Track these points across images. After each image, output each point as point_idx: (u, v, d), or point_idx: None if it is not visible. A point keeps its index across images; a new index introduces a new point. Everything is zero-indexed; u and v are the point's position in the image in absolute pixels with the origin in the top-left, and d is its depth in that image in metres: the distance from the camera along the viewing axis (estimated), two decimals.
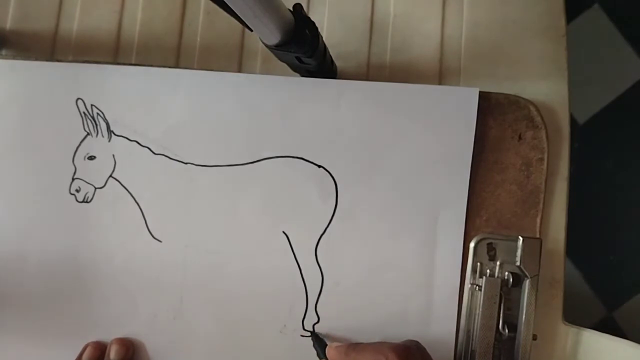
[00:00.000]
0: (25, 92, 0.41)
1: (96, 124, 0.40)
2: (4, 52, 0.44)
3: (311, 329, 0.38)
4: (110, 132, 0.40)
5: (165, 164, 0.40)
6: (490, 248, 0.37)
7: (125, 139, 0.40)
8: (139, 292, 0.39)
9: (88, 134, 0.40)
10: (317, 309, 0.38)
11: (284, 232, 0.39)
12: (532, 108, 0.38)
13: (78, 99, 0.41)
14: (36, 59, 0.42)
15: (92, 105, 0.40)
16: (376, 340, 0.36)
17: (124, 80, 0.41)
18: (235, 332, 0.38)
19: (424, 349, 0.34)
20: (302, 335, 0.38)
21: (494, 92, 0.39)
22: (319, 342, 0.37)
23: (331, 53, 0.38)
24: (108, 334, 0.39)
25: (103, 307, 0.39)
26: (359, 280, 0.38)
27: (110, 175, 0.40)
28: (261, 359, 0.38)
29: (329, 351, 0.35)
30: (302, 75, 0.40)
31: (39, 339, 0.39)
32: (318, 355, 0.36)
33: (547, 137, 0.38)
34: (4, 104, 0.41)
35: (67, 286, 0.39)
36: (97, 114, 0.40)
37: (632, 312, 0.98)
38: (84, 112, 0.40)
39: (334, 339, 0.37)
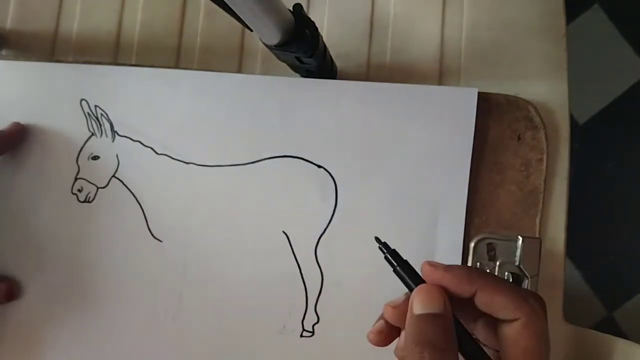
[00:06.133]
0: (30, 94, 0.41)
1: (100, 125, 0.40)
2: (3, 52, 0.44)
3: (311, 330, 0.38)
4: (114, 132, 0.40)
5: (168, 164, 0.40)
6: (490, 248, 0.37)
7: (128, 139, 0.40)
8: (139, 291, 0.39)
9: (92, 134, 0.41)
10: (317, 309, 0.38)
11: (284, 232, 0.39)
12: (531, 108, 0.38)
13: (82, 99, 0.41)
14: (37, 60, 0.42)
15: (96, 106, 0.41)
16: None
17: (127, 81, 0.41)
18: (235, 332, 0.38)
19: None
20: (301, 336, 0.38)
21: (493, 93, 0.39)
22: (406, 268, 0.27)
23: (331, 53, 0.38)
24: (107, 334, 0.39)
25: (102, 306, 0.39)
26: (359, 280, 0.38)
27: (113, 175, 0.40)
28: (260, 359, 0.38)
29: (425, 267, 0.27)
30: (302, 76, 0.40)
31: (37, 338, 0.39)
32: (408, 284, 0.27)
33: (546, 137, 0.38)
34: (8, 104, 0.41)
35: (67, 285, 0.39)
36: (101, 114, 0.40)
37: (632, 312, 0.99)
38: (88, 113, 0.41)
39: (333, 339, 0.38)
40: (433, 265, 0.26)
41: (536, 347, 0.24)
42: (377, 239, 0.29)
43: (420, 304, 0.25)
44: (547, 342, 0.25)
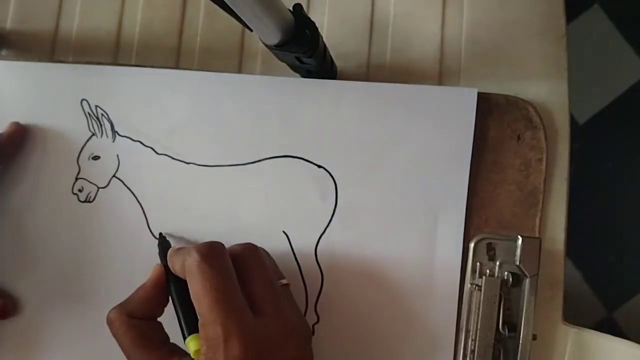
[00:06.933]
0: (30, 94, 0.41)
1: (101, 125, 0.41)
2: (3, 52, 0.44)
3: (311, 330, 0.38)
4: (114, 132, 0.40)
5: (168, 164, 0.40)
6: (490, 248, 0.37)
7: (129, 139, 0.40)
8: None
9: (93, 134, 0.41)
10: (317, 309, 0.38)
11: (284, 232, 0.39)
12: (530, 108, 0.38)
13: (83, 99, 0.41)
14: (37, 60, 0.42)
15: (96, 106, 0.41)
16: (377, 340, 0.36)
17: (127, 81, 0.41)
18: None
19: (249, 250, 0.33)
20: None
21: (493, 93, 0.39)
22: (165, 244, 0.37)
23: (331, 53, 0.38)
24: (107, 334, 0.39)
25: (103, 306, 0.39)
26: (358, 280, 0.38)
27: (114, 175, 0.40)
28: None
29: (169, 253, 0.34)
30: (302, 76, 0.40)
31: (37, 338, 0.39)
32: (160, 259, 0.35)
33: (545, 137, 0.38)
34: (8, 104, 0.41)
35: (67, 285, 0.39)
36: (102, 114, 0.41)
37: (632, 312, 0.99)
38: (88, 113, 0.41)
39: (333, 339, 0.38)
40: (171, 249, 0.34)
41: (197, 289, 0.29)
42: (160, 234, 0.38)
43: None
44: (209, 279, 0.29)
